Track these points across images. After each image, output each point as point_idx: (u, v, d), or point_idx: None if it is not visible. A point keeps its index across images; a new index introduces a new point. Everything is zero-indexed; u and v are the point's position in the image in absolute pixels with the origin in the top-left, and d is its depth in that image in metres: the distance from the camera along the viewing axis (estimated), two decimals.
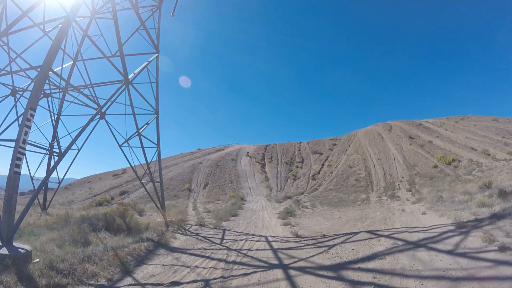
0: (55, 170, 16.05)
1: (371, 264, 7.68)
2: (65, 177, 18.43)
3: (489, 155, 33.57)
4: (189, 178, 42.20)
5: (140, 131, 16.33)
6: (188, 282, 7.19)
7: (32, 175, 15.87)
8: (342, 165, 45.29)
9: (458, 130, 51.60)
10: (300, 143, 68.30)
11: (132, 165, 16.12)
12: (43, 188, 16.99)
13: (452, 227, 9.85)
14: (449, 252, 7.54)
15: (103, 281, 6.86)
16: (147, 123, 17.05)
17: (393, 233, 10.66)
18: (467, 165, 31.00)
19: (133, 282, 7.07)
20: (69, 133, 16.78)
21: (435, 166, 34.22)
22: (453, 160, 34.21)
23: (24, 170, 8.87)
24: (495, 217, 9.60)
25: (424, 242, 8.88)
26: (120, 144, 15.65)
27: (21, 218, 8.28)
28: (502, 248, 6.81)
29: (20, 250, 7.01)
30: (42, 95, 14.40)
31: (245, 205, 26.12)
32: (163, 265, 8.53)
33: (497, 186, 15.08)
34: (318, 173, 44.69)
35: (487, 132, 45.06)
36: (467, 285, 5.60)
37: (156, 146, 17.46)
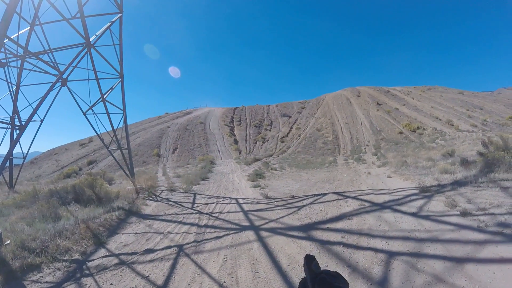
0: (19, 145, 15.19)
1: (339, 225, 7.84)
2: (30, 151, 17.43)
3: (452, 125, 34.97)
4: (158, 143, 41.59)
5: (104, 97, 15.51)
6: (162, 249, 7.14)
7: None
8: (310, 128, 45.78)
9: (424, 99, 53.14)
10: (269, 105, 68.25)
11: (98, 133, 15.48)
12: (8, 165, 16.12)
13: (416, 191, 10.21)
14: (414, 215, 7.80)
15: (76, 256, 6.65)
16: (111, 88, 16.22)
17: (360, 195, 10.93)
18: (431, 133, 32.21)
19: (107, 254, 6.90)
20: (30, 104, 15.56)
21: (401, 133, 35.34)
22: (418, 128, 35.41)
23: None
24: (457, 184, 10.01)
25: (390, 204, 9.16)
26: (84, 111, 14.91)
27: None
28: (464, 213, 7.09)
29: None
30: None
31: (215, 168, 26.06)
32: (136, 233, 8.40)
33: (459, 155, 15.74)
34: (287, 135, 45.08)
35: (453, 104, 46.70)
36: (431, 246, 5.81)
37: (122, 112, 16.73)
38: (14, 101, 15.83)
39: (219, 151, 38.86)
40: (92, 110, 15.29)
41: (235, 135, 47.31)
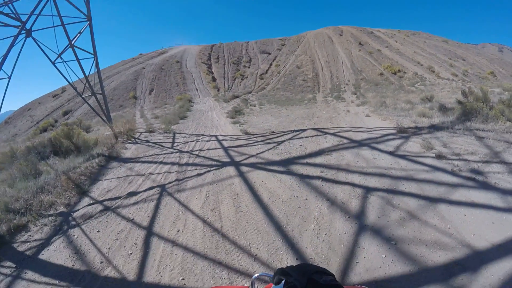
0: None
1: (318, 160, 7.91)
2: (2, 112, 16.15)
3: (433, 72, 35.09)
4: (133, 86, 39.92)
5: (72, 42, 14.16)
6: (145, 190, 7.05)
7: None
8: (290, 65, 44.90)
9: (407, 43, 52.46)
10: (248, 42, 65.65)
11: (70, 81, 14.49)
12: None
13: (393, 131, 10.29)
14: (390, 153, 7.92)
15: (61, 208, 6.38)
16: (79, 32, 14.80)
17: (339, 132, 11.00)
18: (412, 77, 32.35)
19: (91, 202, 6.68)
20: None
21: (381, 74, 35.29)
22: (399, 71, 35.38)
23: None
24: (434, 128, 10.12)
25: (368, 142, 9.25)
26: (53, 61, 13.76)
27: None
28: (439, 156, 7.22)
29: None
30: None
31: (193, 107, 25.67)
32: (117, 177, 8.16)
33: (438, 101, 15.89)
34: (266, 72, 44.19)
35: (435, 51, 46.42)
36: (406, 184, 5.96)
37: (93, 56, 15.53)
38: None
39: (197, 89, 37.94)
40: (61, 58, 14.16)
41: (213, 73, 45.89)
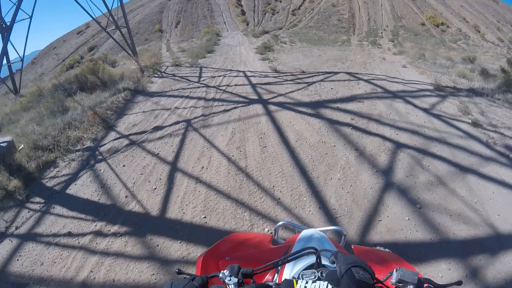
0: (14, 49, 14.81)
1: (349, 106, 7.60)
2: (29, 52, 15.66)
3: (479, 32, 32.52)
4: (159, 19, 38.29)
5: None
6: (170, 125, 6.98)
7: None
8: (325, 2, 42.05)
9: None
10: None
11: (94, 16, 14.19)
12: (9, 73, 14.99)
13: (430, 87, 9.65)
14: (425, 110, 7.49)
15: (88, 143, 6.34)
16: None
17: (373, 79, 10.46)
18: (455, 33, 30.20)
19: (117, 136, 6.63)
20: (14, 4, 13.25)
21: (423, 24, 33.06)
22: (442, 24, 33.01)
23: None
24: (473, 92, 9.35)
25: (402, 94, 8.77)
26: None
27: None
28: (475, 124, 6.70)
29: (1, 145, 5.94)
30: None
31: (221, 41, 24.84)
32: (143, 112, 8.05)
33: (480, 64, 14.81)
34: (299, 8, 41.63)
35: (484, 10, 42.40)
36: (438, 146, 5.67)
37: None
38: None
39: (225, 23, 36.48)
40: None
41: (242, 6, 43.34)
